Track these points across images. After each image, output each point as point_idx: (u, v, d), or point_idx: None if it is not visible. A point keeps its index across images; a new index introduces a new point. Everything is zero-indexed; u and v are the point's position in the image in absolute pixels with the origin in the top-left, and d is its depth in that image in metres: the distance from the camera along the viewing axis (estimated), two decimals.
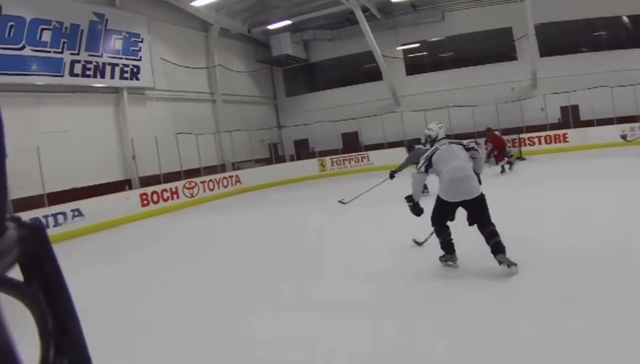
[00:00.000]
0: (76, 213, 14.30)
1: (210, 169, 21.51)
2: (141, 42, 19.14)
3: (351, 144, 25.90)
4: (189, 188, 18.98)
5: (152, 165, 18.29)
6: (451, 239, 5.98)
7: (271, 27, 24.90)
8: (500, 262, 5.41)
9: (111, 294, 7.03)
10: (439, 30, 25.18)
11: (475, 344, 3.96)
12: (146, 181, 18.18)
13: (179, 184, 18.66)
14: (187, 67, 22.12)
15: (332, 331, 4.61)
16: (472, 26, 24.07)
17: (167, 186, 18.13)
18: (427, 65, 26.10)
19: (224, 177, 21.27)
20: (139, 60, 19.08)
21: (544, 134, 21.85)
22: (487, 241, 5.50)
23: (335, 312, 5.13)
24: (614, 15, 22.20)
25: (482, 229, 5.59)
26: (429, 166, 5.94)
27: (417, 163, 11.37)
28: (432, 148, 6.07)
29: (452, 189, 5.68)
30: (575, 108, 22.13)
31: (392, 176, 11.39)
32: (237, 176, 21.93)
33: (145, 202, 16.98)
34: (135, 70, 18.91)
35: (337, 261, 7.27)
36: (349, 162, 24.37)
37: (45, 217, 13.31)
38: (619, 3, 21.45)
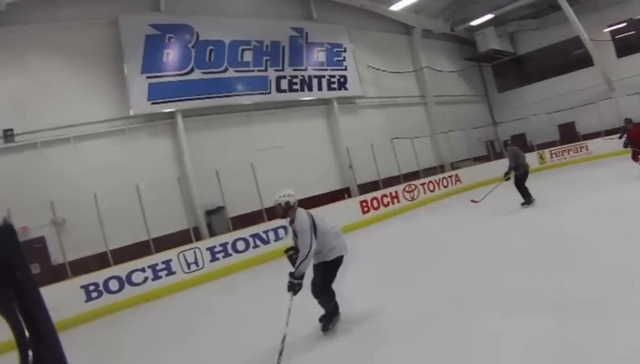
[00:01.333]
0: None
1: (429, 171, 19.62)
2: (344, 51, 17.86)
3: (568, 134, 22.70)
4: (409, 191, 17.17)
5: (369, 172, 16.84)
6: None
7: (474, 23, 22.86)
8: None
9: (349, 305, 5.85)
10: None
11: None
12: (364, 188, 16.71)
13: (399, 188, 16.90)
14: (394, 72, 20.39)
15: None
16: None
17: (387, 190, 16.55)
18: (637, 44, 21.93)
19: (444, 178, 19.36)
20: (345, 69, 17.78)
21: None
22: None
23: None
24: None
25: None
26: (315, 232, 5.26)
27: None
28: (305, 214, 5.45)
29: (342, 243, 5.47)
30: None
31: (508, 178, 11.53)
32: (456, 175, 19.99)
33: (365, 209, 15.53)
34: (342, 80, 17.62)
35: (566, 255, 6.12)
36: (568, 153, 21.65)
37: (266, 232, 12.43)
38: None
